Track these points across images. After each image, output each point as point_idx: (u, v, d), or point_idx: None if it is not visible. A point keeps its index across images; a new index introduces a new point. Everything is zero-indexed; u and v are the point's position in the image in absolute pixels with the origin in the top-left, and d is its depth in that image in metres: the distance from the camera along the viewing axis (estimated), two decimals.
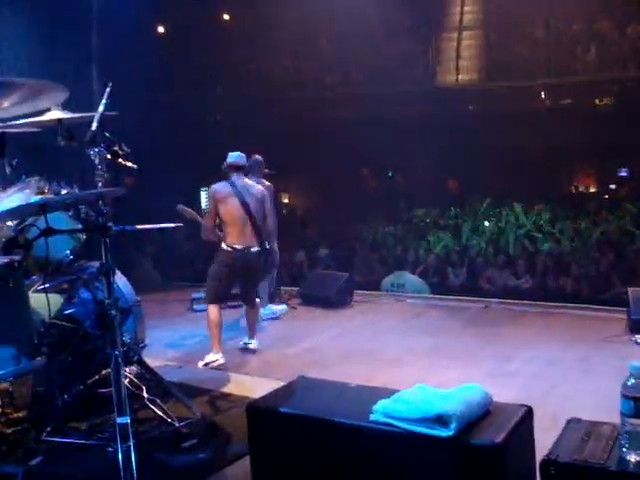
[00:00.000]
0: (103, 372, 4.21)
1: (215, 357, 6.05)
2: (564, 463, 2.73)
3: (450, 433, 2.85)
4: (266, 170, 7.78)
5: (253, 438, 3.48)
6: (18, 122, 3.97)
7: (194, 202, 6.30)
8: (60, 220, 3.91)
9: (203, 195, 12.03)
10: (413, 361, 6.17)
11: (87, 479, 3.66)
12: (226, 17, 18.30)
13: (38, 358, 3.68)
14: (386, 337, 7.18)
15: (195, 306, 8.44)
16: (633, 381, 2.69)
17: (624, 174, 18.15)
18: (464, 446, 2.85)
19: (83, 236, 4.29)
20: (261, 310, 7.31)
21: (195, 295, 8.51)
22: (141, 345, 5.03)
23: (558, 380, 5.50)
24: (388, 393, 3.25)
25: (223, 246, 6.17)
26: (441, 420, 2.88)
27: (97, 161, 3.47)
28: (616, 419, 2.83)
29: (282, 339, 7.11)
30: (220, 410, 4.82)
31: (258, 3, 15.64)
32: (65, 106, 4.01)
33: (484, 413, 3.07)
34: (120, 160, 3.62)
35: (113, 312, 3.17)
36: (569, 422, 3.11)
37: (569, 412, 3.36)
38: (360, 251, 13.64)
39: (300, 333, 7.41)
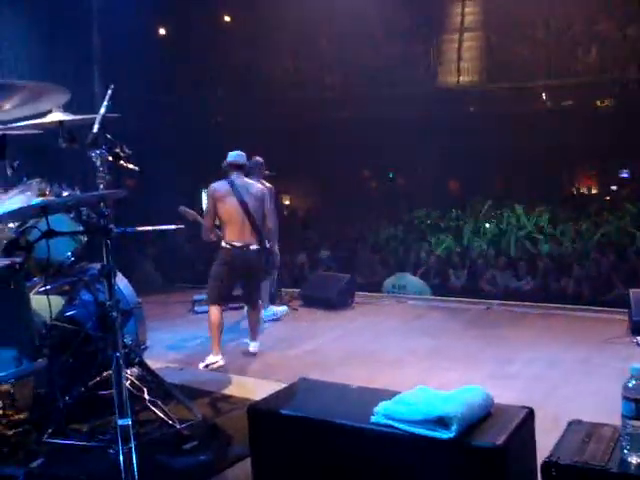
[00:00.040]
0: (104, 374, 4.22)
1: (215, 359, 6.05)
2: (565, 465, 2.73)
3: (451, 435, 2.85)
4: (267, 172, 7.78)
5: (254, 440, 3.48)
6: (19, 124, 3.97)
7: (195, 203, 6.30)
8: (61, 222, 3.91)
9: (204, 196, 12.08)
10: (414, 363, 6.17)
11: None
12: (227, 18, 18.33)
13: (39, 360, 3.67)
14: (387, 339, 7.18)
15: (196, 308, 8.43)
16: (634, 383, 2.69)
17: (625, 175, 18.16)
18: (465, 448, 2.85)
19: (84, 238, 4.29)
20: (262, 312, 7.30)
21: (196, 297, 8.50)
22: (142, 347, 5.03)
23: (559, 382, 5.50)
24: (389, 395, 3.25)
25: (222, 244, 6.18)
26: (442, 422, 2.88)
27: (98, 163, 3.47)
28: (617, 421, 2.83)
29: (283, 341, 7.11)
30: (221, 412, 4.82)
31: (259, 4, 15.66)
32: (66, 108, 4.01)
33: (485, 415, 3.07)
34: (121, 162, 3.62)
35: (114, 314, 3.17)
36: (570, 424, 3.11)
37: (570, 414, 3.37)
38: (361, 252, 13.64)
39: (301, 335, 7.40)
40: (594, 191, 19.38)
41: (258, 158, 7.64)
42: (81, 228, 4.09)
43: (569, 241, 12.61)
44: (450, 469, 2.92)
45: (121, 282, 4.94)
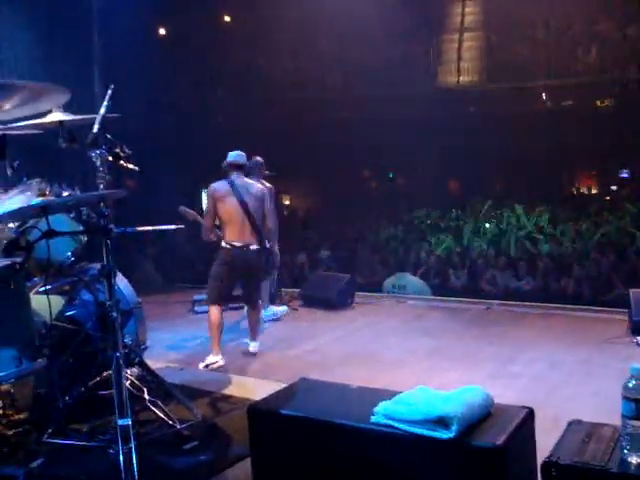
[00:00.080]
0: (104, 374, 4.22)
1: (215, 359, 6.04)
2: (565, 465, 2.73)
3: (451, 435, 2.85)
4: (267, 172, 7.77)
5: (254, 440, 3.48)
6: (19, 124, 3.98)
7: (195, 203, 6.30)
8: (61, 222, 3.91)
9: (204, 196, 12.08)
10: (414, 363, 6.17)
11: None
12: (227, 18, 18.33)
13: (39, 360, 3.67)
14: (387, 339, 7.18)
15: (196, 308, 8.43)
16: (634, 383, 2.69)
17: (625, 175, 18.16)
18: (465, 448, 2.85)
19: (84, 238, 4.30)
20: (262, 312, 7.30)
21: (196, 297, 8.50)
22: (142, 347, 5.03)
23: (559, 382, 5.50)
24: (389, 395, 3.25)
25: (222, 244, 6.17)
26: (442, 422, 2.88)
27: (98, 163, 3.47)
28: (617, 421, 2.83)
29: (283, 341, 7.11)
30: (221, 412, 4.82)
31: (259, 4, 15.66)
32: (66, 108, 4.01)
33: (485, 415, 3.06)
34: (121, 162, 3.62)
35: (114, 314, 3.17)
36: (570, 424, 3.11)
37: (570, 414, 3.37)
38: (361, 253, 13.65)
39: (301, 335, 7.40)
40: (594, 191, 19.38)
41: (258, 158, 7.64)
42: (81, 228, 4.10)
43: (569, 241, 12.61)
44: (450, 469, 2.92)
45: (121, 282, 4.94)
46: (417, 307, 8.98)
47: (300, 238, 14.60)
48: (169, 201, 8.20)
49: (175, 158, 12.23)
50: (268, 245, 6.46)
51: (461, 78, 17.67)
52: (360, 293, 9.36)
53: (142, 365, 4.51)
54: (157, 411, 4.24)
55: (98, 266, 3.30)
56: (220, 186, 6.20)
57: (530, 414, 3.15)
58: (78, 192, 4.25)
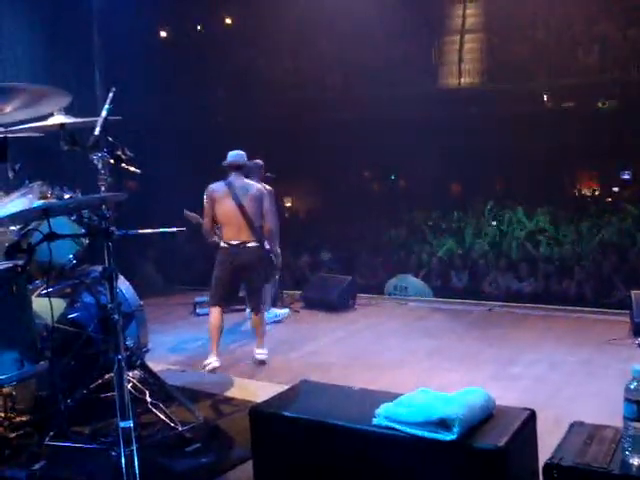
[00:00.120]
0: (106, 376, 4.22)
1: (210, 360, 6.00)
2: (567, 467, 2.73)
3: (453, 437, 2.85)
4: (267, 174, 7.75)
5: (256, 442, 3.48)
6: (21, 127, 3.98)
7: (196, 203, 6.29)
8: (63, 225, 3.91)
9: (205, 197, 12.05)
10: (416, 364, 6.17)
11: None
12: (227, 19, 18.34)
13: (41, 362, 3.67)
14: (389, 340, 7.18)
15: (198, 310, 8.42)
16: (636, 384, 2.69)
17: (627, 177, 18.15)
18: (467, 450, 2.85)
19: (86, 240, 4.30)
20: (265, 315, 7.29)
21: (198, 299, 8.50)
22: (144, 349, 5.03)
23: (561, 383, 5.50)
24: (391, 397, 3.25)
25: (221, 244, 6.16)
26: (444, 424, 2.88)
27: (100, 166, 3.47)
28: (619, 422, 2.83)
29: (285, 343, 7.10)
30: (223, 414, 4.82)
31: (259, 4, 15.67)
32: (68, 111, 4.02)
33: (487, 416, 3.07)
34: (123, 164, 3.63)
35: (116, 316, 3.17)
36: (572, 425, 3.11)
37: (572, 415, 3.37)
38: (363, 254, 13.63)
39: (303, 337, 7.40)
40: (595, 192, 19.36)
41: (258, 161, 7.60)
42: (83, 231, 4.10)
43: (570, 243, 12.60)
44: (452, 471, 2.92)
45: (123, 284, 4.95)
46: (418, 309, 8.97)
47: (301, 240, 14.58)
48: (170, 202, 8.20)
49: (175, 159, 12.21)
50: (267, 246, 6.42)
51: (462, 79, 17.68)
52: (362, 295, 9.35)
53: (144, 367, 4.51)
54: (159, 413, 4.24)
55: (100, 269, 3.29)
56: (217, 187, 6.16)
57: (532, 416, 3.16)
58: (79, 195, 4.26)
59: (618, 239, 12.35)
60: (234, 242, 6.09)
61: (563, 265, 11.47)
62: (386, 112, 15.82)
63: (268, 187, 7.26)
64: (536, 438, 3.18)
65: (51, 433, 3.91)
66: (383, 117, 15.70)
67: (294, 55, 18.32)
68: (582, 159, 17.88)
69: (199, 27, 18.03)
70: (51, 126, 3.96)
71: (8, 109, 3.63)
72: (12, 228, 3.94)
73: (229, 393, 5.34)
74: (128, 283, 5.10)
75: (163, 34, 16.71)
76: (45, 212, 3.41)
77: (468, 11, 17.58)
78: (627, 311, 7.20)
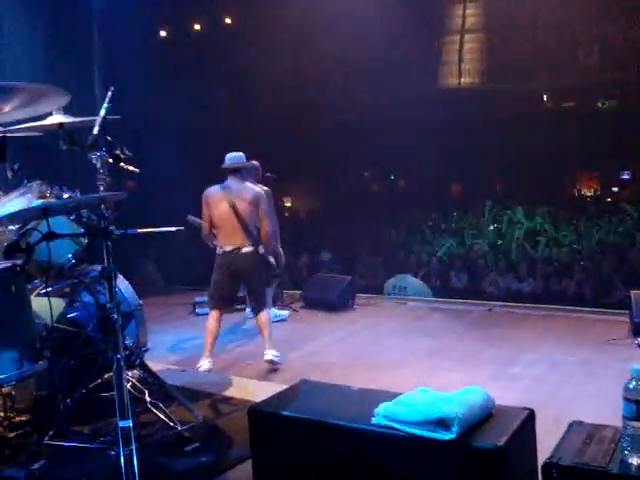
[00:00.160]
0: (105, 376, 4.22)
1: (202, 362, 5.98)
2: (566, 466, 2.73)
3: (452, 436, 2.85)
4: (267, 174, 7.73)
5: (255, 441, 3.48)
6: (20, 126, 3.98)
7: (195, 204, 6.28)
8: (62, 224, 3.91)
9: None
10: (415, 364, 6.17)
11: None
12: (227, 19, 18.34)
13: (40, 362, 3.67)
14: (388, 340, 7.18)
15: (198, 310, 8.42)
16: (635, 384, 2.69)
17: (626, 177, 18.16)
18: (466, 449, 2.85)
19: (85, 240, 4.30)
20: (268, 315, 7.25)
21: (198, 299, 8.49)
22: (143, 349, 5.02)
23: (560, 383, 5.50)
24: (390, 396, 3.25)
25: (217, 249, 6.13)
26: (443, 423, 2.88)
27: (99, 165, 3.46)
28: (618, 422, 2.83)
29: (284, 342, 7.07)
30: (222, 414, 4.82)
31: (259, 5, 15.67)
32: (67, 110, 4.01)
33: (486, 416, 3.06)
34: (122, 164, 3.62)
35: (115, 316, 3.17)
36: (571, 425, 3.11)
37: (571, 415, 3.37)
38: (362, 254, 13.63)
39: (302, 336, 7.40)
40: (595, 192, 19.38)
41: (254, 162, 7.55)
42: (82, 230, 4.09)
43: (570, 242, 12.61)
44: (451, 470, 2.92)
45: (122, 284, 4.94)
46: (418, 309, 8.97)
47: (301, 240, 14.59)
48: (169, 202, 8.20)
49: (175, 159, 12.21)
50: (261, 251, 6.30)
51: (462, 79, 17.70)
52: (361, 295, 9.35)
53: (143, 367, 4.51)
54: (158, 413, 4.24)
55: (99, 268, 3.29)
56: (213, 191, 6.09)
57: (531, 415, 3.15)
58: (78, 194, 4.26)
59: (618, 239, 12.35)
60: (228, 248, 6.02)
61: (563, 265, 11.47)
62: (386, 112, 15.84)
63: (266, 188, 7.19)
64: (535, 437, 3.18)
65: (50, 432, 3.91)
66: (383, 117, 15.71)
67: (294, 55, 18.33)
68: (582, 159, 17.89)
69: (199, 27, 18.04)
70: (50, 125, 3.96)
71: (7, 108, 3.62)
72: (11, 227, 3.94)
73: (228, 393, 5.33)
74: (127, 282, 5.10)
75: (163, 34, 16.71)
76: (44, 211, 3.41)
77: (468, 11, 17.60)
78: (627, 311, 7.20)
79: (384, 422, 3.05)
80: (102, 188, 3.48)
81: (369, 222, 15.97)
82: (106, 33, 10.33)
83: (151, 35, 14.90)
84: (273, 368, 6.09)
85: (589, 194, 19.43)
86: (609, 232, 12.85)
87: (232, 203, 6.01)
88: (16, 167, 4.08)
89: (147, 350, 5.16)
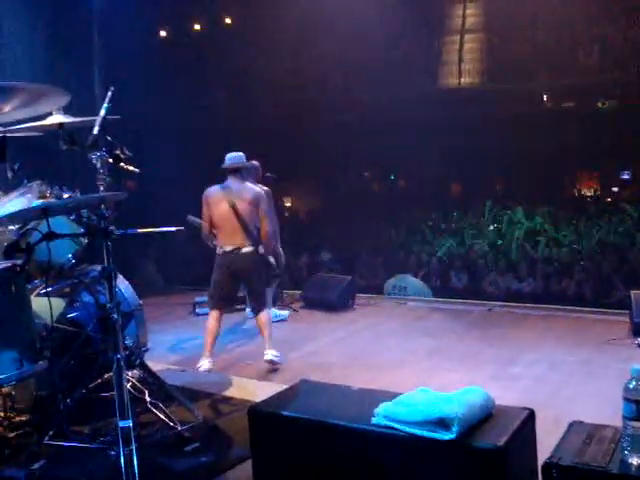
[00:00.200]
0: (105, 376, 4.22)
1: (202, 362, 5.98)
2: (566, 466, 2.73)
3: (452, 436, 2.85)
4: (267, 174, 7.73)
5: (255, 441, 3.48)
6: (19, 126, 3.98)
7: (195, 204, 6.28)
8: (62, 224, 3.91)
9: None
10: (415, 364, 6.17)
11: None
12: (227, 19, 18.34)
13: (40, 362, 3.67)
14: (388, 340, 7.18)
15: (198, 310, 8.42)
16: (635, 384, 2.69)
17: (626, 177, 18.16)
18: (466, 449, 2.85)
19: (85, 240, 4.30)
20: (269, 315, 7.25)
21: (198, 299, 8.49)
22: (143, 349, 5.02)
23: (560, 383, 5.50)
24: (390, 396, 3.25)
25: (217, 250, 6.13)
26: (443, 423, 2.88)
27: (99, 165, 3.46)
28: (618, 422, 2.83)
29: (284, 342, 7.07)
30: (222, 414, 4.82)
31: (259, 5, 15.67)
32: (67, 110, 4.01)
33: (486, 416, 3.06)
34: (122, 164, 3.62)
35: (115, 316, 3.17)
36: (571, 425, 3.11)
37: (571, 415, 3.37)
38: (362, 254, 13.63)
39: (302, 336, 7.40)
40: (595, 192, 19.38)
41: (254, 162, 7.54)
42: (82, 230, 4.09)
43: (570, 242, 12.61)
44: (451, 470, 2.92)
45: (122, 284, 4.94)
46: (418, 309, 8.97)
47: (301, 240, 14.58)
48: (169, 202, 8.19)
49: (175, 159, 12.21)
50: (261, 251, 6.30)
51: (462, 79, 17.70)
52: (361, 295, 9.34)
53: (143, 367, 4.51)
54: (158, 413, 4.24)
55: (99, 268, 3.29)
56: (213, 191, 6.09)
57: (531, 415, 3.15)
58: (78, 194, 4.26)
59: (618, 239, 12.35)
60: (228, 248, 6.01)
61: (563, 265, 11.47)
62: (386, 112, 15.84)
63: (265, 188, 7.18)
64: (535, 437, 3.18)
65: (50, 432, 3.91)
66: (383, 117, 15.71)
67: (294, 55, 18.32)
68: (582, 159, 17.89)
69: (199, 27, 18.04)
70: (50, 125, 3.96)
71: (7, 108, 3.62)
72: (11, 227, 3.94)
73: (228, 393, 5.33)
74: (127, 282, 5.09)
75: (163, 34, 16.71)
76: (44, 211, 3.41)
77: (468, 11, 17.61)
78: (627, 311, 7.19)
79: (384, 422, 3.05)
80: (102, 188, 3.48)
81: (369, 222, 15.97)
82: (106, 33, 10.33)
83: (151, 35, 14.90)
84: (273, 368, 6.08)
85: (589, 194, 19.43)
86: (609, 232, 12.84)
87: (232, 203, 6.00)
88: (16, 167, 4.08)
89: (147, 350, 5.16)
